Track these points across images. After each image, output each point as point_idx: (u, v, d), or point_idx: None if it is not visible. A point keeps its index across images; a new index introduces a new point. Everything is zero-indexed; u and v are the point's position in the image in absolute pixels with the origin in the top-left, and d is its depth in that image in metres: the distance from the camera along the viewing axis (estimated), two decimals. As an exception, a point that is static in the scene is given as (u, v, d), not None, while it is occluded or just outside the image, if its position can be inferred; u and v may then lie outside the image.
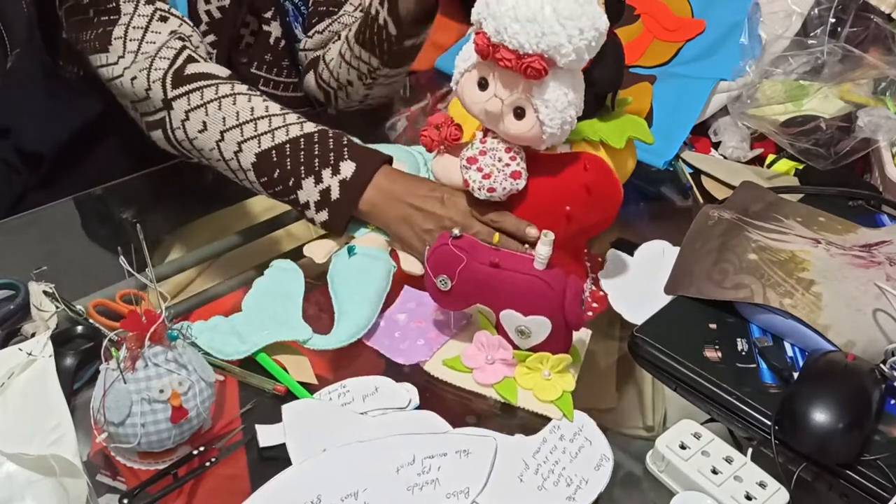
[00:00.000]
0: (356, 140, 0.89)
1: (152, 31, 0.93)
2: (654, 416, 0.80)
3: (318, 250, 0.89)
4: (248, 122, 0.87)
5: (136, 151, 1.08)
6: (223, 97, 0.89)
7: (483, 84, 0.80)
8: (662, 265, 0.93)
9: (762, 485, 0.68)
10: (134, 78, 0.92)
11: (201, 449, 0.71)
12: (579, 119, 0.83)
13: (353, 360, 0.82)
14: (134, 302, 0.67)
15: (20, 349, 0.74)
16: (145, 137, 0.97)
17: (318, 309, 0.85)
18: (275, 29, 1.12)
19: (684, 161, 1.14)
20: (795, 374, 0.77)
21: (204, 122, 0.88)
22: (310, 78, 1.21)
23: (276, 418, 0.73)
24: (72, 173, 1.12)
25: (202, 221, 1.09)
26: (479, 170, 0.82)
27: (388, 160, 0.88)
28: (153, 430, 0.66)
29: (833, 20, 1.17)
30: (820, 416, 0.70)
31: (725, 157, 1.17)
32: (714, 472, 0.68)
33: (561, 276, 0.75)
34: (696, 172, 1.13)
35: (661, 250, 0.97)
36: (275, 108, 0.90)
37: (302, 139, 0.85)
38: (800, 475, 0.70)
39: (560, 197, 0.83)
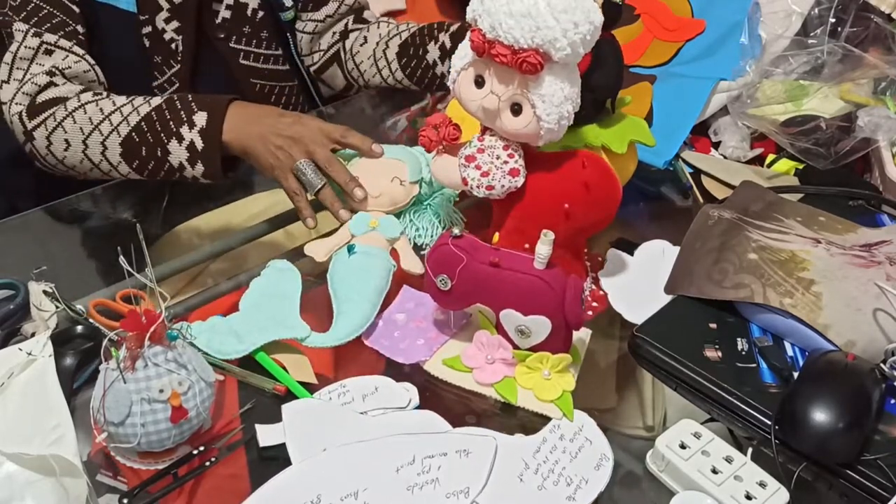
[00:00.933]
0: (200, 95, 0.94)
1: (36, 64, 0.96)
2: (654, 415, 0.80)
3: (318, 249, 0.90)
4: (102, 121, 0.91)
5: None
6: (73, 111, 0.93)
7: (479, 81, 0.80)
8: (662, 265, 0.93)
9: (762, 484, 0.68)
10: (6, 110, 0.96)
11: (201, 449, 0.71)
12: (579, 123, 0.83)
13: (353, 359, 0.82)
14: (134, 302, 0.67)
15: (20, 349, 0.74)
16: None
17: (317, 307, 0.85)
18: (251, 0, 1.12)
19: (684, 161, 1.14)
20: (795, 374, 0.77)
21: (66, 140, 0.93)
22: (336, 71, 1.24)
23: (276, 418, 0.73)
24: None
25: (202, 221, 1.09)
26: (478, 168, 0.82)
27: (235, 98, 0.93)
28: (153, 430, 0.66)
29: (833, 20, 1.17)
30: (820, 415, 0.70)
31: (725, 157, 1.17)
32: (714, 471, 0.68)
33: (561, 276, 0.75)
34: (696, 172, 1.13)
35: (661, 250, 0.97)
36: (121, 99, 0.93)
37: (153, 113, 0.90)
38: (800, 475, 0.70)
39: (559, 194, 0.83)
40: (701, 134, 1.19)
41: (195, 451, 0.70)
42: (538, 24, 0.73)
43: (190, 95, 0.93)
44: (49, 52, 0.96)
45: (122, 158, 0.91)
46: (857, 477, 0.70)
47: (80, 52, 0.98)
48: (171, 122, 0.88)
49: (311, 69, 1.25)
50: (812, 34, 1.17)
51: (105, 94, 0.96)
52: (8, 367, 0.72)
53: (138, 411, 0.66)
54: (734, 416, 0.76)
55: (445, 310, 0.84)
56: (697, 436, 0.71)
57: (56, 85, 0.96)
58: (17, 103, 0.95)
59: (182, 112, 0.89)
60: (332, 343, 0.81)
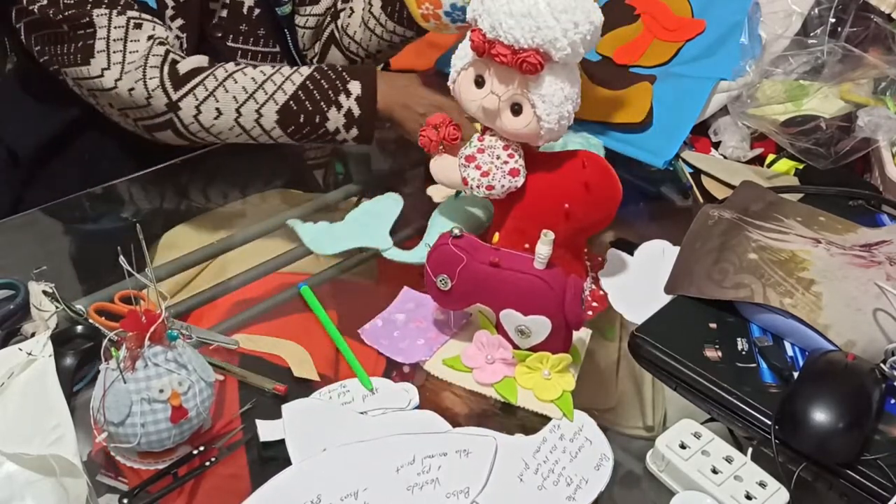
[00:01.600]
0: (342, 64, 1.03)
1: (132, 41, 0.98)
2: (654, 415, 0.80)
3: (436, 192, 1.04)
4: (256, 90, 0.97)
5: (111, 154, 1.13)
6: (223, 81, 0.97)
7: (480, 81, 0.80)
8: (662, 265, 0.93)
9: (762, 484, 0.68)
10: (131, 89, 0.97)
11: (201, 448, 0.71)
12: None
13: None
14: (134, 302, 0.67)
15: (20, 349, 0.74)
16: (125, 139, 1.04)
17: (412, 233, 0.98)
18: None
19: (684, 161, 1.14)
20: (795, 374, 0.77)
21: (217, 109, 0.97)
22: (335, 53, 1.26)
23: (275, 418, 0.73)
24: (55, 174, 1.12)
25: (202, 221, 1.08)
26: (478, 168, 0.82)
27: (375, 68, 1.03)
28: (153, 430, 0.66)
29: (833, 20, 1.17)
30: (820, 415, 0.70)
31: (725, 157, 1.17)
32: (714, 471, 0.68)
33: (561, 276, 0.75)
34: (696, 172, 1.13)
35: (661, 250, 0.97)
36: (268, 69, 0.99)
37: (308, 81, 0.98)
38: (800, 475, 0.70)
39: (559, 194, 0.83)
40: (701, 134, 1.19)
41: (195, 451, 0.70)
42: (538, 24, 0.73)
43: (338, 66, 1.00)
44: (139, 26, 0.98)
45: (276, 124, 0.98)
46: (857, 477, 0.70)
47: (162, 24, 1.01)
48: (330, 91, 0.96)
49: (314, 60, 1.25)
50: (812, 34, 1.17)
51: (245, 64, 1.01)
52: (8, 367, 0.72)
53: (138, 411, 0.66)
54: (734, 416, 0.76)
55: (445, 310, 0.84)
56: (697, 436, 0.71)
57: (180, 59, 0.98)
58: (150, 78, 0.96)
59: (337, 81, 0.97)
60: (408, 260, 0.90)
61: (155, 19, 1.01)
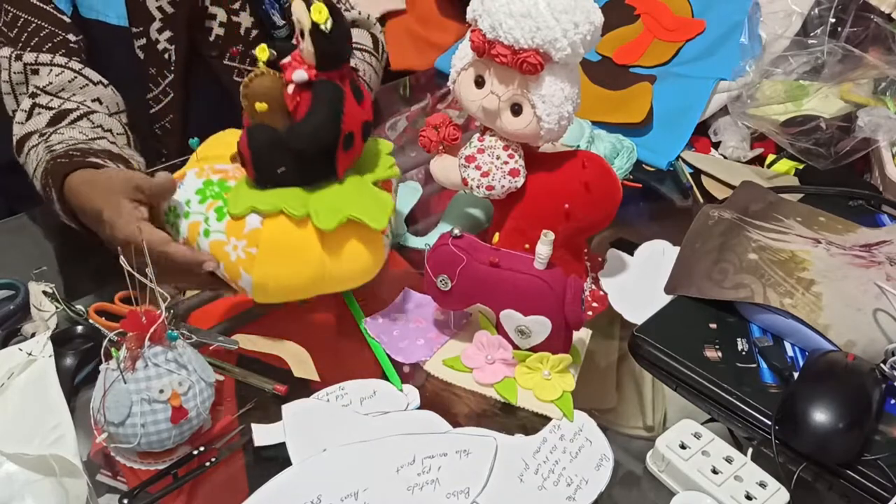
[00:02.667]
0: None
1: (30, 84, 0.97)
2: (654, 415, 0.80)
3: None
4: (35, 169, 0.89)
5: None
6: (28, 152, 0.92)
7: (480, 82, 0.80)
8: (662, 265, 0.93)
9: (762, 485, 0.68)
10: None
11: (201, 449, 0.71)
12: (287, 183, 0.77)
13: (352, 362, 0.82)
14: (134, 302, 0.67)
15: (20, 349, 0.74)
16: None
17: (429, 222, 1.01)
18: (244, 19, 1.12)
19: (684, 161, 1.14)
20: (795, 374, 0.77)
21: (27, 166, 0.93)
22: None
23: (275, 418, 0.73)
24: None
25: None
26: (478, 168, 0.82)
27: (76, 168, 0.84)
28: (153, 431, 0.66)
29: (833, 20, 1.17)
30: (820, 415, 0.70)
31: (725, 157, 1.17)
32: (714, 471, 0.68)
33: (561, 276, 0.75)
34: (696, 172, 1.13)
35: (661, 250, 0.97)
36: (42, 152, 0.89)
37: (42, 179, 0.86)
38: (800, 475, 0.70)
39: (559, 194, 0.83)
40: (701, 134, 1.19)
41: (195, 452, 0.70)
42: (538, 24, 0.73)
43: (51, 164, 0.85)
44: (35, 72, 0.97)
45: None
46: (858, 477, 0.70)
47: (63, 61, 0.98)
48: (50, 201, 0.86)
49: None
50: (812, 34, 1.17)
51: (48, 134, 0.92)
52: (8, 367, 0.72)
53: (138, 411, 0.66)
54: (734, 416, 0.76)
55: (445, 310, 0.84)
56: (697, 436, 0.71)
57: (39, 106, 0.95)
58: (14, 134, 0.96)
59: (50, 190, 0.85)
60: (415, 244, 0.93)
61: (56, 60, 0.97)
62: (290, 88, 0.77)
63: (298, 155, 0.77)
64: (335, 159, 0.78)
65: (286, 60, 0.77)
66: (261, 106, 0.77)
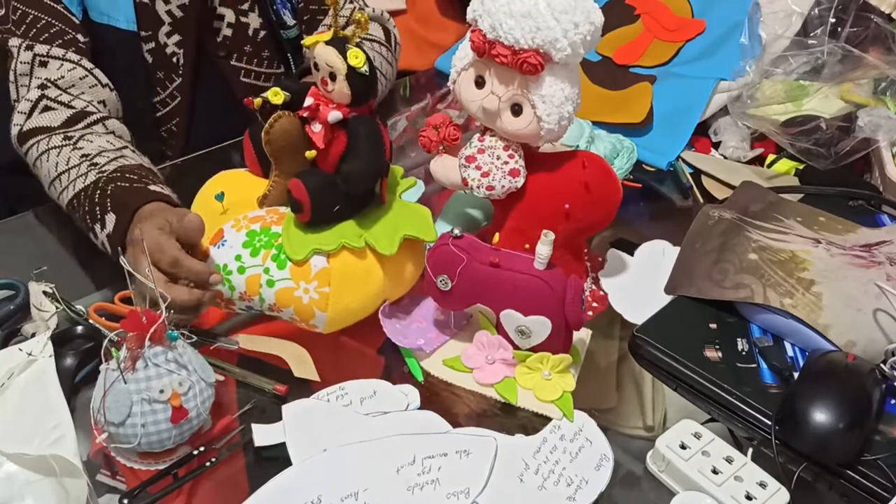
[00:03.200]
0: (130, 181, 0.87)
1: (34, 77, 0.96)
2: (654, 416, 0.80)
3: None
4: (57, 176, 0.90)
5: None
6: (45, 152, 0.92)
7: (480, 82, 0.80)
8: (662, 265, 0.93)
9: (762, 485, 0.68)
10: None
11: (201, 449, 0.71)
12: (335, 218, 0.80)
13: (352, 362, 0.82)
14: (135, 302, 0.67)
15: (20, 349, 0.74)
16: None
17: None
18: (253, 20, 1.12)
19: (684, 161, 1.14)
20: (796, 374, 0.77)
21: (40, 176, 0.94)
22: None
23: (275, 418, 0.73)
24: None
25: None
26: (478, 168, 0.82)
27: (149, 200, 0.84)
28: (153, 431, 0.66)
29: (833, 20, 1.17)
30: (820, 415, 0.70)
31: (725, 157, 1.17)
32: (714, 472, 0.68)
33: (561, 276, 0.75)
34: (696, 172, 1.13)
35: (661, 250, 0.97)
36: (75, 157, 0.90)
37: (81, 193, 0.87)
38: (800, 475, 0.70)
39: (559, 194, 0.83)
40: (701, 134, 1.19)
41: (195, 452, 0.70)
42: (539, 24, 0.73)
43: (111, 186, 0.85)
44: (44, 64, 0.97)
45: (70, 213, 0.90)
46: (858, 477, 0.70)
47: (75, 58, 0.98)
48: (88, 217, 0.85)
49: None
50: (812, 34, 1.17)
51: (75, 138, 0.92)
52: (8, 367, 0.72)
53: (139, 412, 0.66)
54: (734, 417, 0.76)
55: (445, 310, 0.84)
56: (697, 436, 0.71)
57: (48, 99, 0.95)
58: (15, 124, 0.96)
59: (98, 208, 0.85)
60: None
61: (68, 56, 0.97)
62: (317, 128, 0.79)
63: (352, 192, 0.80)
64: (381, 187, 0.83)
65: (310, 103, 0.79)
66: (310, 154, 0.80)
